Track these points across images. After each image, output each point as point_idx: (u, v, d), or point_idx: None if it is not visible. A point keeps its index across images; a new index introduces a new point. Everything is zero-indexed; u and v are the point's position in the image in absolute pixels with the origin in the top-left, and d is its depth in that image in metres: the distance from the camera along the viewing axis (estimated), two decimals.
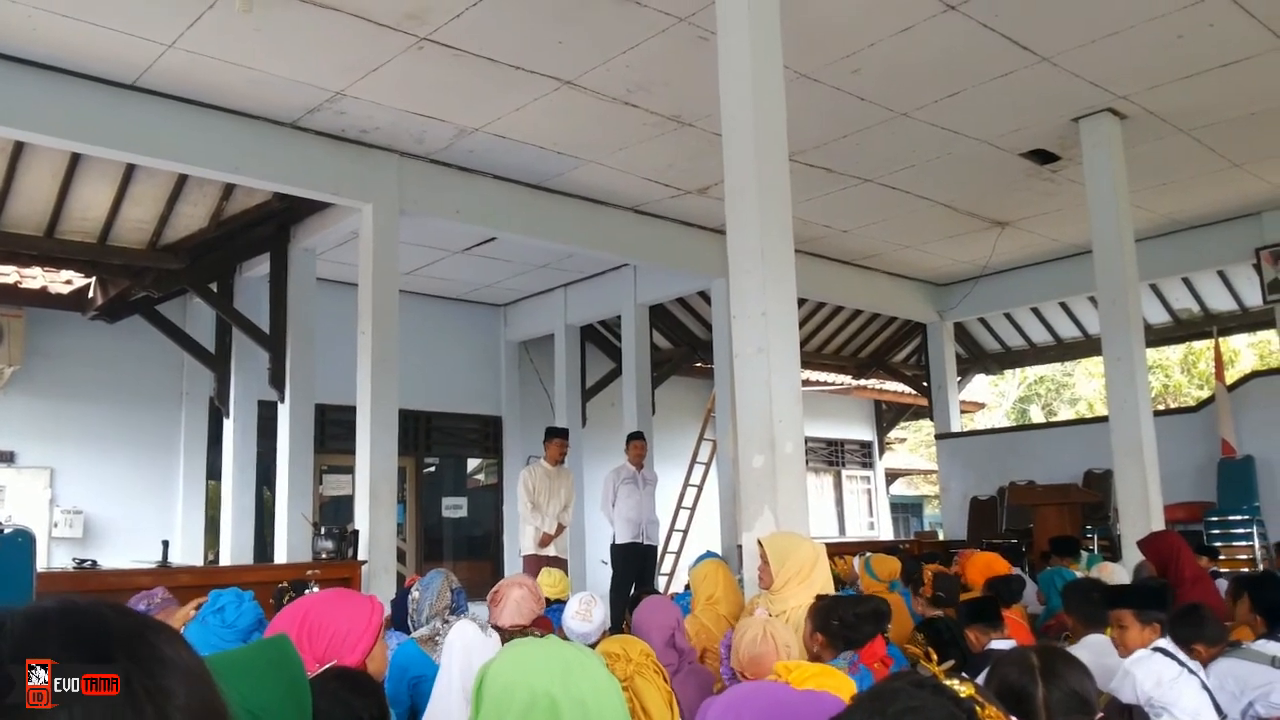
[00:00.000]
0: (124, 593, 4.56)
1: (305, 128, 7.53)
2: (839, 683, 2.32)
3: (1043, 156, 8.50)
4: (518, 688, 1.77)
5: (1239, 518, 9.60)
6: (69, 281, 9.45)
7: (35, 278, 9.24)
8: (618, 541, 9.04)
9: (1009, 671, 1.86)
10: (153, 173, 7.71)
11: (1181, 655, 3.43)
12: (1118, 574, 6.08)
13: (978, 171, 8.82)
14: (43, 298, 9.28)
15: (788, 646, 3.18)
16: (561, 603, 5.40)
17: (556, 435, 8.99)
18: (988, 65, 6.81)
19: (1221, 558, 9.36)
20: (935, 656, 3.81)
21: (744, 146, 4.87)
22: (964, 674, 1.65)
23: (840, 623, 3.48)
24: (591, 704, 1.77)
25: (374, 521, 7.53)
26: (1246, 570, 8.36)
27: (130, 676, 0.69)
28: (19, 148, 7.20)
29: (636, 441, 9.37)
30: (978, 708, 1.10)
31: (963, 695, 1.14)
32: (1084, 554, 7.88)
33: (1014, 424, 24.25)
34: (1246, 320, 12.82)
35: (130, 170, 7.67)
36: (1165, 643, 3.46)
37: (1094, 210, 7.83)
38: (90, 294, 9.44)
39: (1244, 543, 9.43)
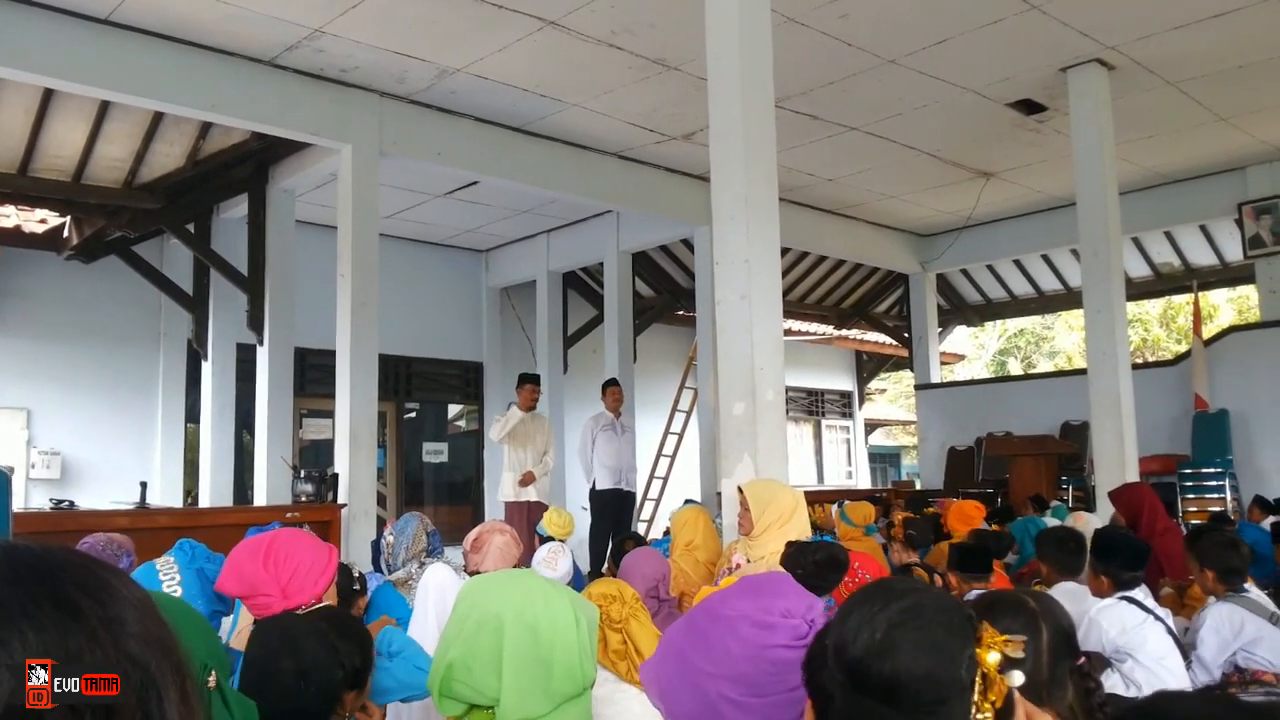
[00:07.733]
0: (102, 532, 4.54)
1: (284, 66, 7.39)
2: None
3: (1029, 107, 8.46)
4: (475, 608, 1.93)
5: (1212, 470, 9.73)
6: (43, 220, 9.31)
7: (9, 216, 9.09)
8: (598, 487, 9.06)
9: (1010, 624, 1.84)
10: (128, 110, 7.56)
11: (1149, 603, 3.47)
12: (1092, 524, 6.15)
13: (964, 121, 8.76)
14: (17, 237, 9.13)
15: None
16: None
17: (527, 381, 8.74)
18: (977, 12, 6.74)
19: (1193, 509, 9.51)
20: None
21: (729, 91, 4.82)
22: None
23: (803, 570, 3.53)
24: (544, 632, 1.88)
25: (354, 465, 7.53)
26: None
27: (82, 606, 0.69)
28: None
29: (612, 388, 9.29)
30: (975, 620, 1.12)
31: None
32: (1053, 505, 7.98)
33: (993, 376, 24.40)
34: (1227, 275, 12.89)
35: (105, 107, 7.51)
36: (1137, 592, 3.50)
37: (1079, 162, 7.81)
38: (65, 233, 9.30)
39: (1215, 495, 9.56)
